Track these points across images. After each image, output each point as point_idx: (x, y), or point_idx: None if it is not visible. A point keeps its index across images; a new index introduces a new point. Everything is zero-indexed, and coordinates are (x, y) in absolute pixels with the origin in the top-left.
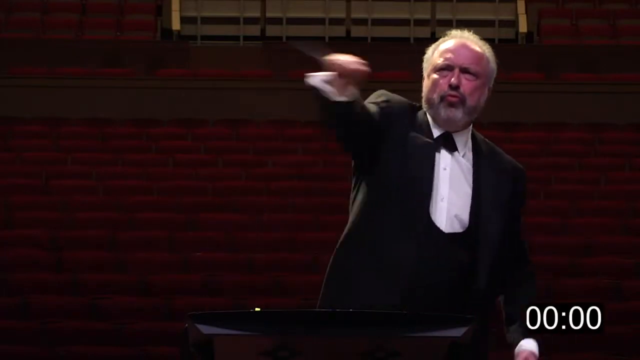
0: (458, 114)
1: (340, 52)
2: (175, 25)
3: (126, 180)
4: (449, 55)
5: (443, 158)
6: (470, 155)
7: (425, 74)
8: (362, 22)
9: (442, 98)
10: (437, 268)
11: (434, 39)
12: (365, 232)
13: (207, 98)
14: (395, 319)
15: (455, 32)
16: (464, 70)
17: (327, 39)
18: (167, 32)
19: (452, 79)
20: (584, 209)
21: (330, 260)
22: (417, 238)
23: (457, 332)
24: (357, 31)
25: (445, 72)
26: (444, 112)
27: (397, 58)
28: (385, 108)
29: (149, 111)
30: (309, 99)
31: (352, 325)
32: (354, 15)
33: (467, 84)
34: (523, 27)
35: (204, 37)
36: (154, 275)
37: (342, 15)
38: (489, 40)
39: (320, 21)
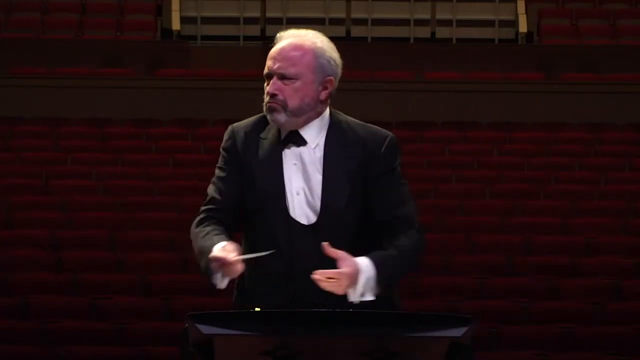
0: (281, 118)
1: (340, 52)
2: (175, 25)
3: (126, 180)
4: (269, 62)
5: (292, 154)
6: (322, 143)
7: None
8: (362, 22)
9: (266, 105)
10: (308, 261)
11: (434, 39)
12: (247, 252)
13: (207, 98)
14: (395, 319)
15: (283, 33)
16: (281, 76)
17: None
18: (167, 32)
19: (269, 88)
20: (584, 209)
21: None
22: (281, 239)
23: (457, 332)
24: (357, 31)
25: (268, 80)
26: (270, 117)
27: (397, 58)
28: (228, 148)
29: (149, 111)
30: None
31: (352, 325)
32: (354, 15)
33: (285, 89)
34: (523, 27)
35: (204, 37)
36: (154, 275)
37: (342, 15)
38: (488, 41)
39: (320, 21)
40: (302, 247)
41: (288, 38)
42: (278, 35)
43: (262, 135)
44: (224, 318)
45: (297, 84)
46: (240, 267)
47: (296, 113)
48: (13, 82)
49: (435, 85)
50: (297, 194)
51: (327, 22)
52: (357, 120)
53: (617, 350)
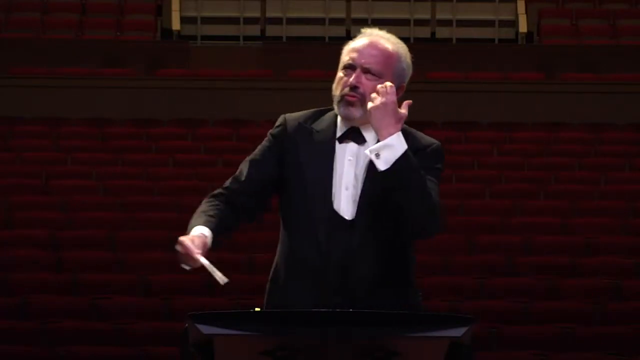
0: (356, 112)
1: (340, 52)
2: (175, 25)
3: (126, 180)
4: (354, 54)
5: (349, 150)
6: (374, 141)
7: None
8: (362, 22)
9: (342, 97)
10: (345, 256)
11: (434, 39)
12: (285, 242)
13: (207, 98)
14: (395, 319)
15: (369, 30)
16: (366, 71)
17: (327, 39)
18: (167, 32)
19: (351, 79)
20: (584, 209)
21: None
22: (321, 230)
23: (457, 332)
24: (357, 31)
25: (349, 71)
26: (342, 110)
27: None
28: (276, 135)
29: (149, 111)
30: (309, 99)
31: (352, 325)
32: (354, 15)
33: (367, 84)
34: (523, 27)
35: (204, 37)
36: (154, 275)
37: (342, 15)
38: (488, 41)
39: (320, 21)
40: (341, 241)
41: (374, 36)
42: (362, 30)
43: (315, 127)
44: (224, 318)
45: (379, 82)
46: (196, 264)
47: None
48: (13, 82)
49: (435, 85)
50: (346, 188)
51: (327, 22)
52: (404, 125)
53: (617, 350)
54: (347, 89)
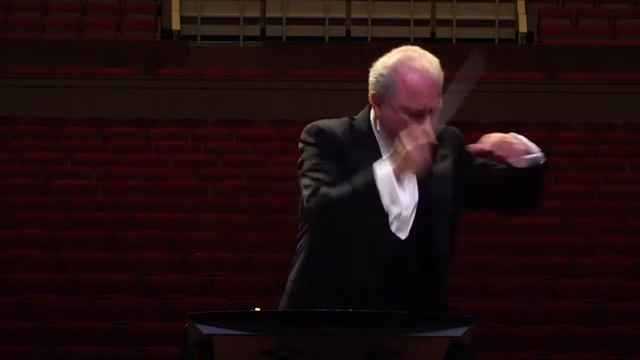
0: None
1: (340, 52)
2: (175, 25)
3: (126, 180)
4: (422, 99)
5: None
6: None
7: (384, 99)
8: (362, 22)
9: (424, 143)
10: (403, 279)
11: (433, 39)
12: (325, 261)
13: (207, 98)
14: (395, 319)
15: (411, 54)
16: (432, 111)
17: (327, 39)
18: (167, 32)
19: (426, 127)
20: (584, 209)
21: (289, 290)
22: (380, 254)
23: (457, 332)
24: (357, 31)
25: (416, 116)
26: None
27: None
28: (321, 143)
29: (149, 111)
30: (309, 99)
31: (352, 325)
32: (354, 15)
33: (433, 121)
34: (523, 27)
35: (204, 37)
36: (154, 275)
37: (342, 15)
38: (488, 41)
39: (320, 21)
40: (398, 263)
41: (423, 65)
42: (397, 60)
43: (355, 141)
44: (224, 318)
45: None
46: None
47: None
48: (13, 82)
49: None
50: (406, 210)
51: (327, 22)
52: None
53: (617, 350)
54: (425, 137)
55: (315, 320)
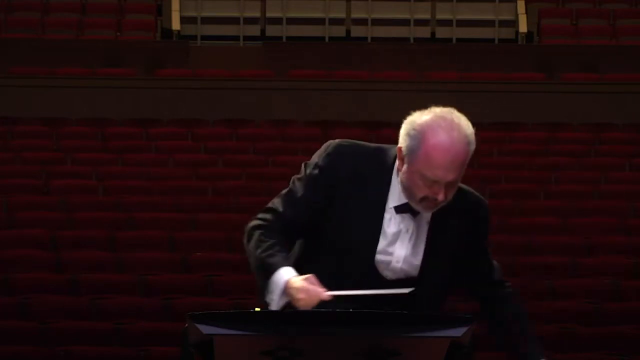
0: (435, 209)
1: (340, 52)
2: (175, 25)
3: (126, 180)
4: (438, 172)
5: (406, 220)
6: (429, 215)
7: (404, 155)
8: (362, 22)
9: (422, 201)
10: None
11: (434, 39)
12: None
13: (207, 98)
14: (395, 319)
15: (439, 123)
16: (449, 184)
17: (327, 39)
18: (167, 32)
19: (440, 197)
20: (584, 209)
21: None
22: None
23: (457, 332)
24: (357, 31)
25: (430, 183)
26: (422, 210)
27: (397, 58)
28: (328, 174)
29: (149, 111)
30: (309, 99)
31: (352, 325)
32: (354, 15)
33: (450, 192)
34: (523, 27)
35: (204, 37)
36: (154, 275)
37: (342, 15)
38: (488, 41)
39: (320, 21)
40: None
41: (450, 137)
42: (425, 124)
43: (371, 176)
44: (224, 318)
45: (458, 181)
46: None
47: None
48: (13, 82)
49: (435, 85)
50: (397, 262)
51: (327, 22)
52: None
53: (617, 350)
54: (432, 199)
55: (315, 320)
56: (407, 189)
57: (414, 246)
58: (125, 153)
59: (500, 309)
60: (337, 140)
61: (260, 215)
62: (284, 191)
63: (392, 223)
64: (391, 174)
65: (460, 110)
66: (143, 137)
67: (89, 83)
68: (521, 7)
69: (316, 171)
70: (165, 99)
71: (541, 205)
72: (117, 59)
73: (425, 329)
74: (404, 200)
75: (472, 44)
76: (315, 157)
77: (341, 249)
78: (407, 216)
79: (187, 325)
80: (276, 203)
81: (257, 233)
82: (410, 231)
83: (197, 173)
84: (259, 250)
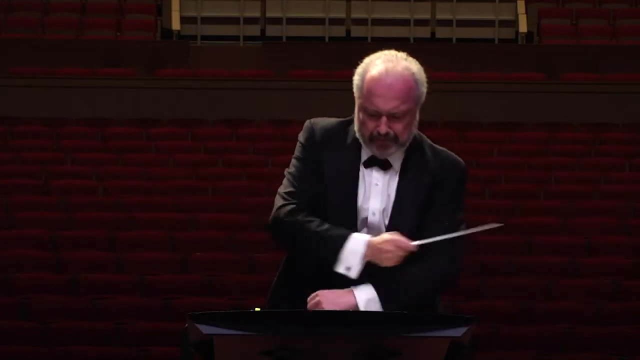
0: (391, 150)
1: (340, 52)
2: (175, 25)
3: (126, 180)
4: (376, 100)
5: (376, 175)
6: (399, 168)
7: (356, 98)
8: (362, 22)
9: (372, 139)
10: (367, 280)
11: (433, 39)
12: (293, 282)
13: (207, 98)
14: (395, 319)
15: (372, 60)
16: (392, 115)
17: (327, 39)
18: (167, 32)
19: (380, 128)
20: (584, 209)
21: (280, 268)
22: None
23: (457, 332)
24: (357, 31)
25: (374, 118)
26: (376, 151)
27: None
28: (308, 146)
29: (149, 111)
30: (309, 99)
31: (352, 325)
32: (354, 15)
33: (396, 126)
34: (523, 27)
35: (204, 37)
36: (154, 275)
37: (342, 15)
38: (488, 41)
39: (320, 21)
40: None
41: (387, 68)
42: (369, 61)
43: (341, 142)
44: (224, 318)
45: (407, 118)
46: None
47: (404, 144)
48: (13, 82)
49: (435, 85)
50: (373, 214)
51: (327, 22)
52: (431, 143)
53: (617, 350)
54: (377, 134)
55: (315, 320)
56: (359, 131)
57: (388, 199)
58: (125, 153)
59: (411, 264)
60: (311, 119)
61: (284, 202)
62: (287, 174)
63: (365, 179)
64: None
65: (460, 110)
66: (143, 137)
67: (89, 83)
68: (521, 7)
69: (300, 147)
70: (165, 99)
71: (541, 205)
72: (117, 59)
73: (425, 329)
74: (370, 154)
75: (472, 44)
76: (300, 134)
77: (331, 209)
78: (376, 169)
79: (187, 325)
80: (288, 185)
81: (299, 215)
82: (380, 185)
83: (197, 173)
84: (314, 227)
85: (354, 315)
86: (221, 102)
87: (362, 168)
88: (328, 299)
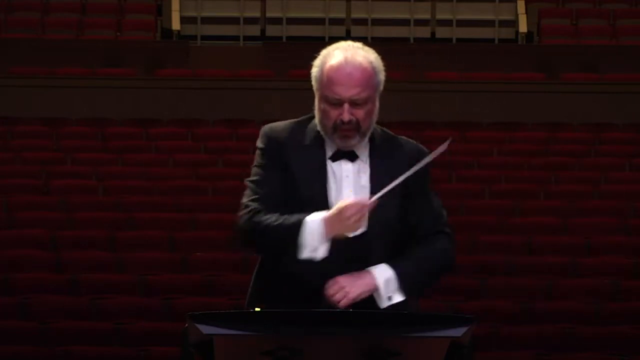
0: (354, 140)
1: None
2: (175, 25)
3: (126, 180)
4: (336, 89)
5: (344, 167)
6: (366, 157)
7: (315, 90)
8: (362, 22)
9: (335, 129)
10: (342, 269)
11: (434, 39)
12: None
13: (207, 98)
14: (395, 319)
15: (330, 52)
16: (353, 102)
17: (327, 39)
18: (167, 32)
19: (343, 116)
20: (584, 209)
21: (256, 267)
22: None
23: (457, 332)
24: (357, 31)
25: (336, 106)
26: (339, 141)
27: (397, 58)
28: (268, 149)
29: (149, 111)
30: (309, 99)
31: (352, 325)
32: (354, 15)
33: (358, 113)
34: (523, 27)
35: (204, 37)
36: (154, 275)
37: (342, 15)
38: (488, 41)
39: (320, 21)
40: (341, 258)
41: (346, 57)
42: (327, 52)
43: (302, 141)
44: (224, 318)
45: (368, 106)
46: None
47: (366, 133)
48: (13, 82)
49: (435, 85)
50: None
51: (327, 22)
52: (388, 131)
53: (617, 350)
54: (340, 123)
55: (315, 320)
56: (320, 123)
57: (361, 189)
58: (125, 153)
59: (414, 247)
60: (266, 125)
61: (247, 209)
62: (248, 182)
63: (335, 173)
64: (319, 133)
65: (460, 110)
66: (143, 137)
67: (89, 83)
68: (521, 7)
69: (261, 153)
70: (165, 99)
71: (541, 205)
72: (117, 59)
73: (425, 329)
74: (334, 148)
75: (472, 44)
76: (258, 141)
77: (304, 206)
78: (344, 162)
79: (187, 325)
80: (251, 193)
81: (256, 217)
82: (350, 176)
83: (197, 173)
84: (271, 222)
85: (354, 315)
86: (221, 102)
87: (329, 163)
88: (348, 282)
